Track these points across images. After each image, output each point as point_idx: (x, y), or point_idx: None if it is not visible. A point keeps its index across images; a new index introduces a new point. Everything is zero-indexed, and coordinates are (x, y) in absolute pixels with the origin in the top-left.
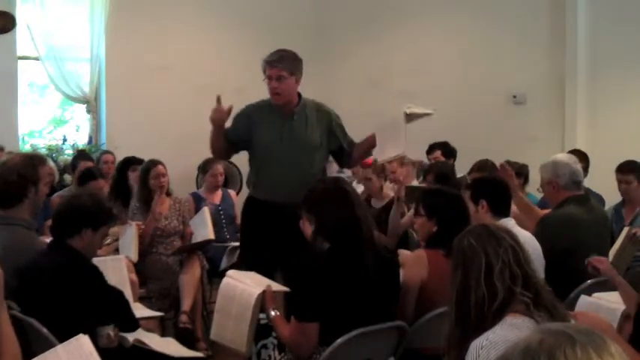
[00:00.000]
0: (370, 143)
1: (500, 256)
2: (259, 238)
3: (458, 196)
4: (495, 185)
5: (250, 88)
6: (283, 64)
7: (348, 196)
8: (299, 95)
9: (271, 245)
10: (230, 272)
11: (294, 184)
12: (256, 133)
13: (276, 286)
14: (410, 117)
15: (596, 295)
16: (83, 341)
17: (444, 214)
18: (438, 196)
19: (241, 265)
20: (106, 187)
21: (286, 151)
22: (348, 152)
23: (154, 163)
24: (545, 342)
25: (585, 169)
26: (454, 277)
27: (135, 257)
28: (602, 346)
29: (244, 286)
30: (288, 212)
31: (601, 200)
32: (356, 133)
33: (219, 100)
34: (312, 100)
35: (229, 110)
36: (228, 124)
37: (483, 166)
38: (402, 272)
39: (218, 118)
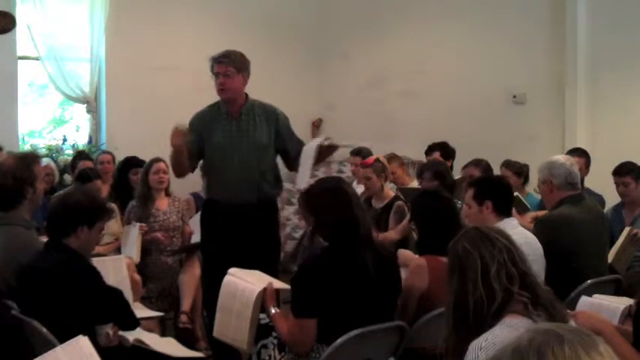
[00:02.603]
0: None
1: (496, 257)
2: (217, 238)
3: (443, 201)
4: (499, 185)
5: (250, 88)
6: (229, 61)
7: (346, 196)
8: (246, 96)
9: (229, 244)
10: (232, 270)
11: (244, 182)
12: (207, 135)
13: (278, 284)
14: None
15: (596, 296)
16: (83, 343)
17: (419, 218)
18: (420, 199)
19: (204, 267)
20: (104, 187)
21: (235, 150)
22: (292, 156)
23: (156, 160)
24: (535, 341)
25: (587, 165)
26: (451, 281)
27: (137, 258)
28: (591, 344)
29: (245, 284)
30: (240, 211)
31: (601, 200)
32: (356, 133)
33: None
34: (259, 100)
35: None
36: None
37: (479, 162)
38: (403, 273)
39: (178, 143)
